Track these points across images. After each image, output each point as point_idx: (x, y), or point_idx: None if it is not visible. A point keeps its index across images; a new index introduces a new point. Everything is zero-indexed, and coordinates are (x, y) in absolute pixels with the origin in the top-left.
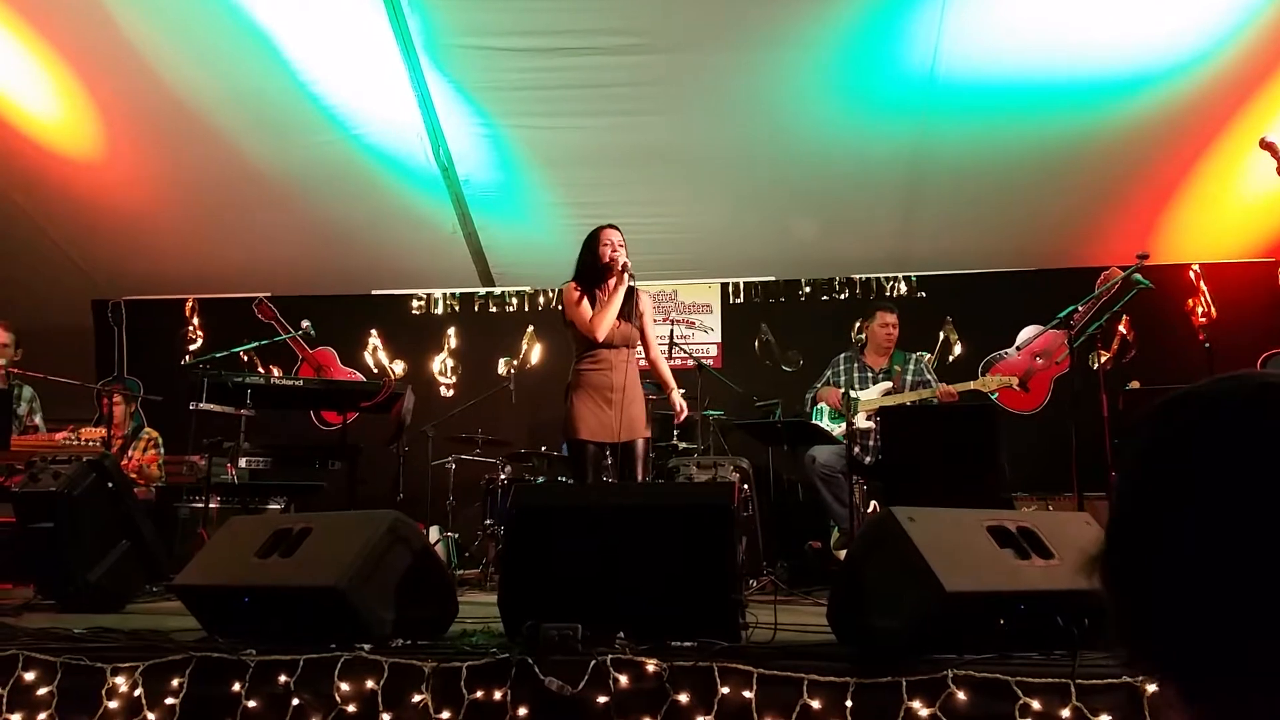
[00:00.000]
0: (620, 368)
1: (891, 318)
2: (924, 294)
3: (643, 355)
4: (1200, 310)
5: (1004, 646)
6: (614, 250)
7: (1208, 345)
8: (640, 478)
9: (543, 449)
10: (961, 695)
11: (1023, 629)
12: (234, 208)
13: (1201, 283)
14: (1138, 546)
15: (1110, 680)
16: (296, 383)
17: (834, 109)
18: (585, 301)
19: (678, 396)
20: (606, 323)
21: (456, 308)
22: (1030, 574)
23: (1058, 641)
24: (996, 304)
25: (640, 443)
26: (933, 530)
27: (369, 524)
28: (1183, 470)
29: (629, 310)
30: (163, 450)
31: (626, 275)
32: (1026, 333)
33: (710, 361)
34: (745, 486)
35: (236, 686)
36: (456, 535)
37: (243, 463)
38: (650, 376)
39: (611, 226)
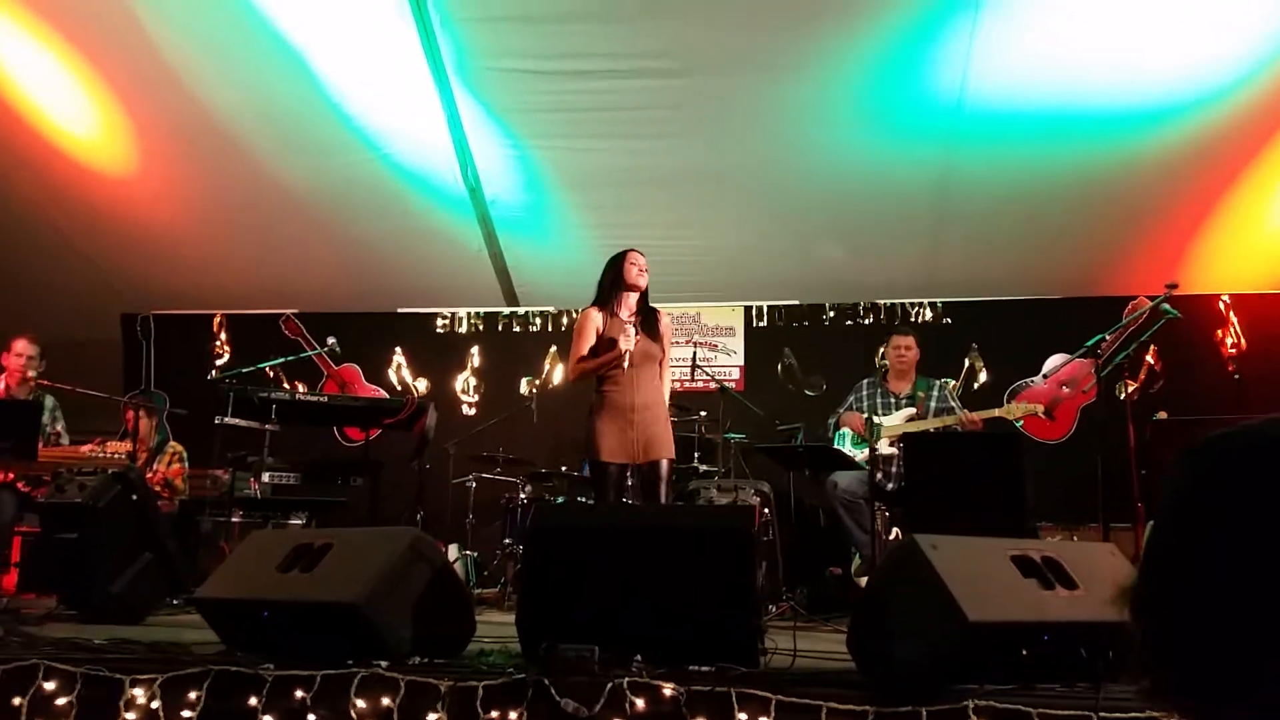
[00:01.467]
0: (643, 387)
1: (904, 340)
2: (949, 320)
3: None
4: (1230, 341)
5: (1026, 677)
6: (640, 272)
7: (1237, 377)
8: (663, 499)
9: (563, 469)
10: None
11: (1046, 660)
12: (263, 225)
13: (1231, 313)
14: (1171, 576)
15: (1134, 714)
16: (321, 399)
17: (861, 135)
18: (588, 336)
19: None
20: (580, 374)
21: (480, 327)
22: (1054, 605)
23: (1081, 673)
24: (1023, 331)
25: (664, 464)
26: (956, 558)
27: (389, 541)
28: (1219, 504)
29: (652, 328)
30: (187, 464)
31: (624, 355)
32: (1053, 361)
33: (732, 384)
34: (766, 511)
35: (253, 701)
36: (475, 554)
37: (266, 477)
38: (673, 399)
39: (635, 250)
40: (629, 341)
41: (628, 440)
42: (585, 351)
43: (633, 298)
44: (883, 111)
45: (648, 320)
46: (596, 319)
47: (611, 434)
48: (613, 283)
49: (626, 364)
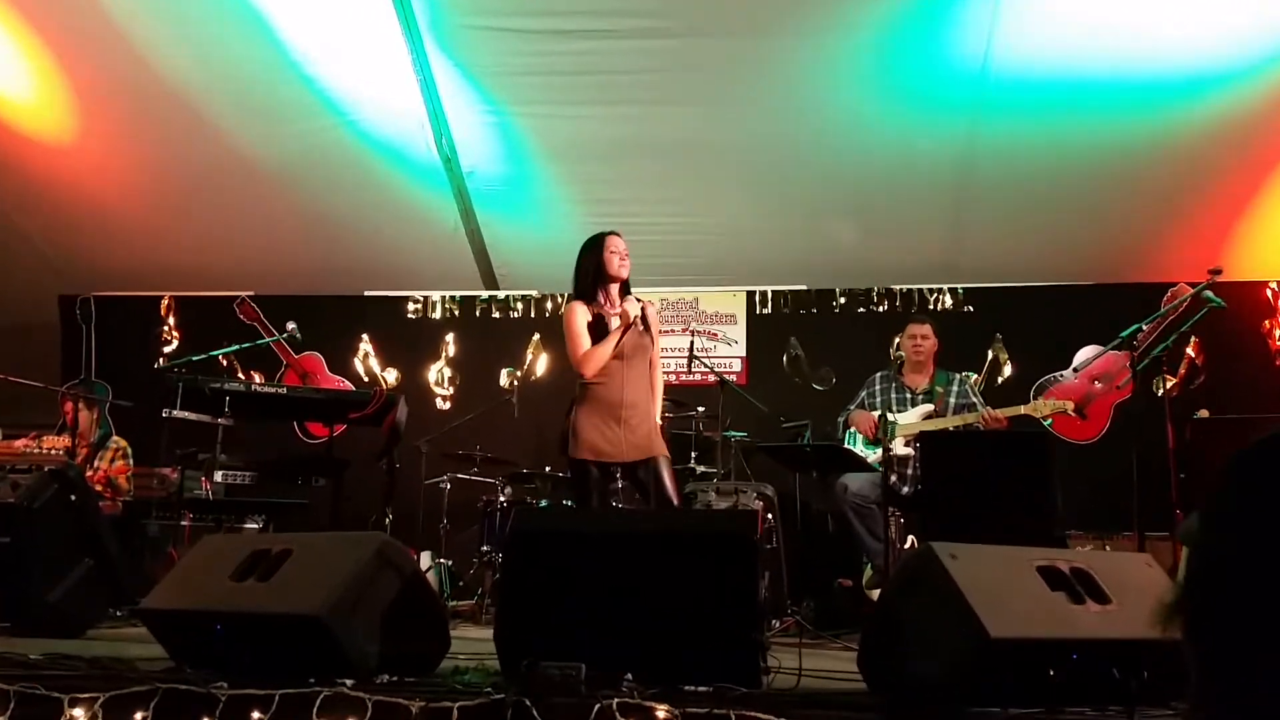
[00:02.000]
0: (632, 382)
1: (920, 329)
2: (971, 308)
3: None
4: (1279, 333)
5: (1053, 699)
6: (621, 260)
7: None
8: (674, 498)
9: (547, 469)
10: None
11: (1075, 681)
12: (217, 198)
13: None
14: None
15: None
16: (280, 390)
17: (877, 104)
18: (585, 329)
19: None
20: (595, 363)
21: (456, 312)
22: (1085, 620)
23: (1113, 695)
24: (1052, 321)
25: (661, 460)
26: (977, 569)
27: (355, 547)
28: (1273, 511)
29: (642, 319)
30: (132, 461)
31: (634, 323)
32: (1085, 354)
33: (733, 378)
34: (770, 516)
35: None
36: (450, 562)
37: (219, 476)
38: (667, 394)
39: (614, 233)
40: (635, 306)
41: (613, 438)
42: (590, 342)
43: (615, 288)
44: (901, 78)
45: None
46: (585, 313)
47: (594, 431)
48: (595, 275)
49: (640, 327)
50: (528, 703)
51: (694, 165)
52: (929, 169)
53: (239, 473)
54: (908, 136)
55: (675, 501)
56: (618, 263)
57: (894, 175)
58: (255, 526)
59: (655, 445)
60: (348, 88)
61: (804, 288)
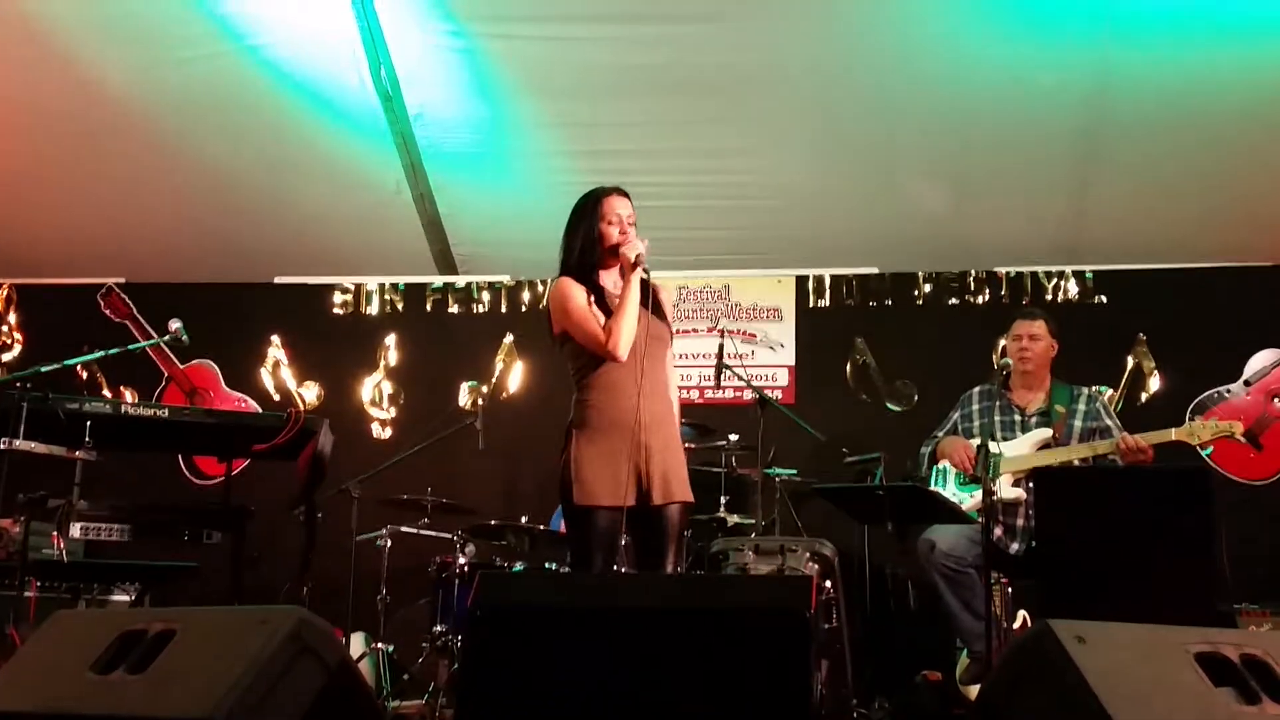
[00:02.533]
0: (649, 388)
1: (1028, 327)
2: (1104, 298)
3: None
4: None
5: None
6: (623, 230)
7: None
8: (669, 562)
9: (523, 520)
10: None
11: None
12: (74, 151)
13: None
14: None
15: None
16: (159, 413)
17: (977, 27)
18: (591, 303)
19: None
20: (627, 334)
21: (399, 305)
22: None
23: None
24: (1213, 316)
25: (675, 510)
26: (1113, 656)
27: (261, 628)
28: None
29: (652, 300)
30: None
31: (639, 268)
32: (1259, 360)
33: (777, 394)
34: (829, 584)
35: None
36: (391, 648)
37: (76, 530)
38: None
39: (618, 193)
40: (638, 244)
41: (631, 471)
42: (597, 314)
43: (616, 271)
44: None
45: (644, 295)
46: (580, 289)
47: (604, 465)
48: (585, 251)
49: (635, 261)
50: None
51: (728, 106)
52: (1046, 113)
53: (104, 525)
54: (1017, 70)
55: (668, 566)
56: (617, 233)
57: (999, 121)
58: (126, 598)
59: (679, 485)
60: (249, 2)
61: (874, 270)
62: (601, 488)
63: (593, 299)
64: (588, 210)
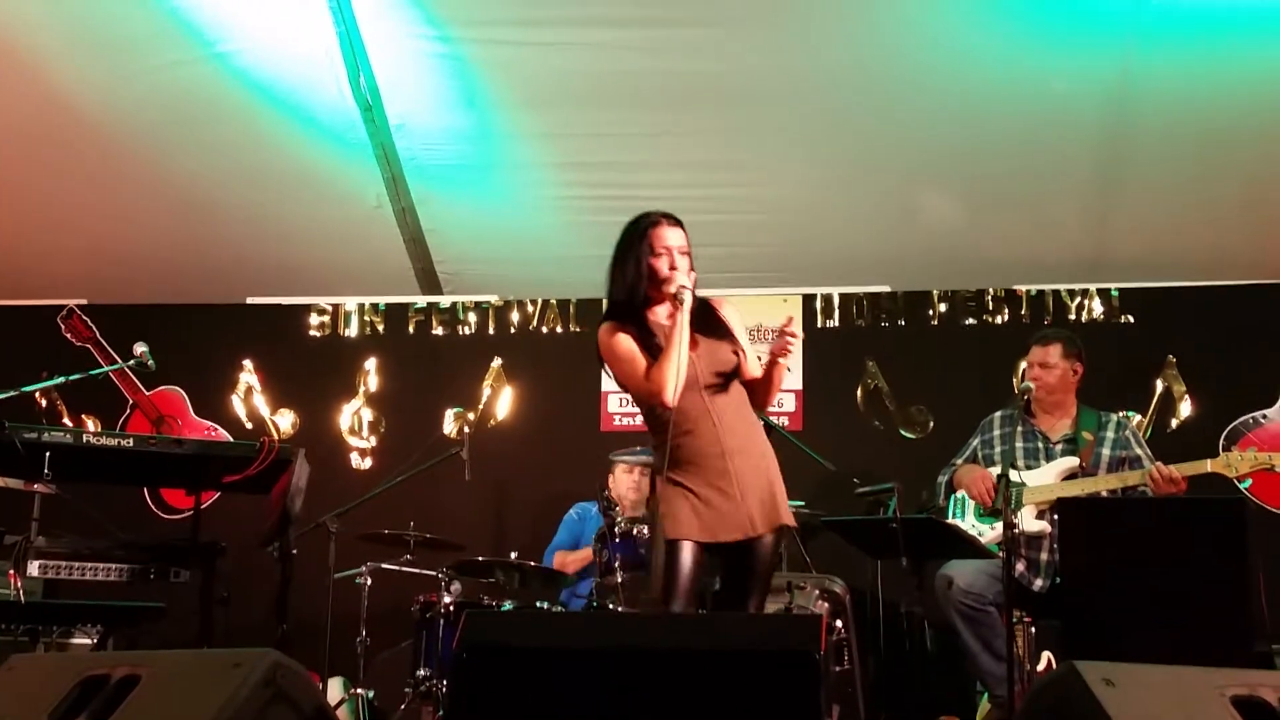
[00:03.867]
0: (728, 418)
1: (1042, 353)
2: (1130, 317)
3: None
4: None
5: None
6: (672, 263)
7: None
8: (752, 600)
9: (513, 555)
10: None
11: None
12: (31, 164)
13: None
14: None
15: None
16: (124, 442)
17: (999, 29)
18: (636, 348)
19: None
20: (672, 376)
21: (380, 327)
22: None
23: None
24: (1247, 337)
25: (768, 541)
26: (1143, 701)
27: (232, 672)
28: None
29: (711, 325)
30: None
31: (686, 299)
32: None
33: (784, 420)
34: (840, 624)
35: None
36: (371, 693)
37: (34, 569)
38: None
39: (668, 220)
40: (685, 277)
41: (728, 509)
42: (642, 359)
43: (665, 308)
44: None
45: (702, 319)
46: (625, 335)
47: (698, 504)
48: (635, 286)
49: (688, 301)
50: None
51: (731, 117)
52: (1068, 122)
53: (65, 563)
54: (1038, 76)
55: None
56: (667, 266)
57: (1018, 130)
58: (88, 642)
59: (781, 507)
60: (222, 7)
61: (886, 289)
62: (700, 521)
63: (640, 341)
64: (634, 241)
